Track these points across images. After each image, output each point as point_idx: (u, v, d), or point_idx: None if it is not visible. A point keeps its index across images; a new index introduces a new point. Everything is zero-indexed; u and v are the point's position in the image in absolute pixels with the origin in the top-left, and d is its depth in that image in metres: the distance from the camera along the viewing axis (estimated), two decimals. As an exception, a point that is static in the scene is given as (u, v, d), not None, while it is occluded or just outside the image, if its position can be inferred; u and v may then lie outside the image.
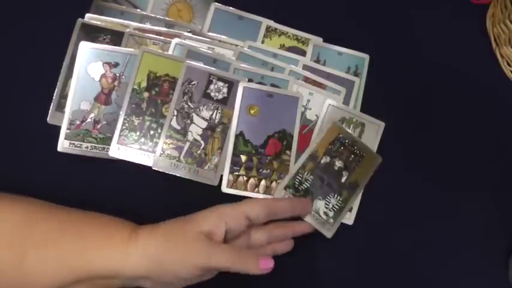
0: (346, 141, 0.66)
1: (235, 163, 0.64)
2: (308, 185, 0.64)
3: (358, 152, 0.66)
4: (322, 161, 0.65)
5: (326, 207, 0.64)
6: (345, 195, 0.65)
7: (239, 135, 0.65)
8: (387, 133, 0.68)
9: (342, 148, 0.65)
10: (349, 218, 0.65)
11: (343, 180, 0.65)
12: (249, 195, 0.64)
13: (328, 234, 0.64)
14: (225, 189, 0.64)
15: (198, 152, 0.64)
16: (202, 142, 0.64)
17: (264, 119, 0.65)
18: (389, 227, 0.67)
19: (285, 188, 0.64)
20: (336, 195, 0.64)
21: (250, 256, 0.53)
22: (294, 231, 0.62)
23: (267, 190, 0.65)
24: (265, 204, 0.57)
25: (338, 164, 0.65)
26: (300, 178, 0.64)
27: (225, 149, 0.64)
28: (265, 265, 0.53)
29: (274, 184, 0.65)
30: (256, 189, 0.64)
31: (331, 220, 0.64)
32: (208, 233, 0.53)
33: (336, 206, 0.64)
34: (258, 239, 0.60)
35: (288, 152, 0.65)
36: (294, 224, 0.62)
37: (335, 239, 0.65)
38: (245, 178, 0.64)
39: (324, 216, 0.64)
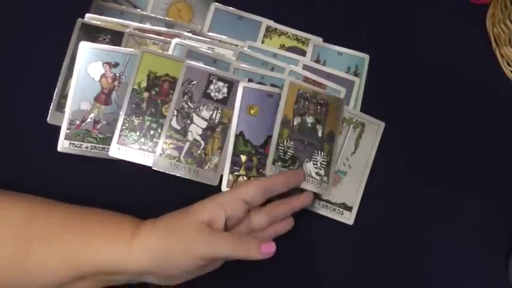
0: (308, 94, 0.66)
1: (235, 163, 0.64)
2: (292, 151, 0.64)
3: (322, 101, 0.66)
4: (295, 123, 0.65)
5: (315, 167, 0.64)
6: (326, 148, 0.65)
7: (239, 135, 0.65)
8: (387, 133, 0.68)
9: (307, 103, 0.65)
10: (349, 218, 0.65)
11: (319, 134, 0.65)
12: None
13: (326, 193, 0.64)
14: (225, 189, 0.64)
15: (198, 152, 0.64)
16: (202, 142, 0.64)
17: (264, 119, 0.65)
18: (389, 227, 0.67)
19: (273, 163, 0.64)
20: (319, 152, 0.65)
21: (252, 241, 0.53)
22: (294, 206, 0.61)
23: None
24: (259, 184, 0.56)
25: (309, 120, 0.65)
26: (282, 148, 0.64)
27: (225, 149, 0.64)
28: (267, 249, 0.53)
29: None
30: (256, 189, 0.64)
31: (325, 178, 0.64)
32: (209, 222, 0.53)
33: (323, 163, 0.65)
34: (258, 221, 0.59)
35: (288, 152, 0.65)
36: (293, 199, 0.61)
37: (335, 239, 0.65)
38: (245, 178, 0.64)
39: (317, 177, 0.64)
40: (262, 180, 0.57)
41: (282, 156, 0.64)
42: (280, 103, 0.65)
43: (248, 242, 0.53)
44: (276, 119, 0.65)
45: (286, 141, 0.64)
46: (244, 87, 0.65)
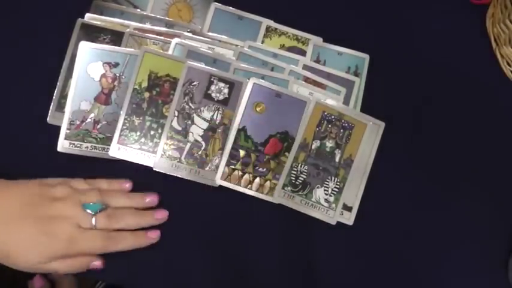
0: (333, 117, 0.66)
1: (233, 156, 0.64)
2: (304, 176, 0.64)
3: (346, 124, 0.66)
4: (313, 147, 0.65)
5: (326, 193, 0.64)
6: (341, 174, 0.65)
7: (241, 130, 0.65)
8: (387, 133, 0.68)
9: (330, 126, 0.65)
10: (349, 218, 0.66)
11: (337, 159, 0.65)
12: (241, 191, 0.64)
13: (332, 221, 0.65)
14: (218, 180, 0.64)
15: (199, 153, 0.64)
16: (203, 143, 0.64)
17: (269, 118, 0.65)
18: (389, 227, 0.67)
19: (283, 187, 0.64)
20: (333, 178, 0.65)
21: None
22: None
23: (260, 188, 0.65)
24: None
25: (329, 144, 0.65)
26: (295, 172, 0.65)
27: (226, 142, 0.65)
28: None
29: (268, 183, 0.65)
30: (250, 185, 0.64)
31: (333, 205, 0.65)
32: None
33: (335, 189, 0.65)
34: None
35: (286, 153, 0.65)
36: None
37: (335, 239, 0.65)
38: (240, 173, 0.64)
39: (326, 204, 0.64)
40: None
41: (293, 181, 0.65)
42: (301, 125, 0.65)
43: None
44: (294, 142, 0.65)
45: (301, 166, 0.65)
46: (254, 83, 0.65)
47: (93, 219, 0.57)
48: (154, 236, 0.61)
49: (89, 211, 0.58)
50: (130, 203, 0.61)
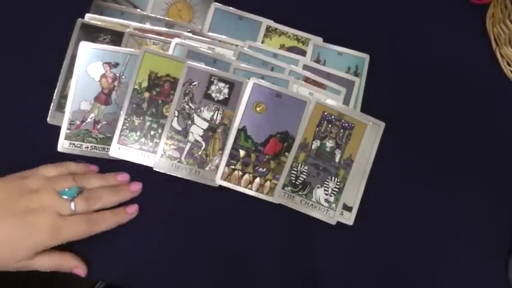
0: (333, 117, 0.66)
1: (233, 156, 0.64)
2: (304, 176, 0.65)
3: (346, 124, 0.66)
4: (313, 147, 0.65)
5: (326, 193, 0.64)
6: (341, 174, 0.65)
7: (241, 130, 0.65)
8: (387, 133, 0.68)
9: (330, 126, 0.65)
10: (349, 218, 0.66)
11: (337, 159, 0.65)
12: (241, 191, 0.64)
13: (332, 221, 0.65)
14: (218, 180, 0.64)
15: (199, 153, 0.64)
16: (203, 143, 0.64)
17: (269, 118, 0.65)
18: (389, 227, 0.67)
19: (283, 187, 0.64)
20: (333, 178, 0.65)
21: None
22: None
23: (260, 188, 0.65)
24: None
25: (329, 144, 0.65)
26: (295, 172, 0.65)
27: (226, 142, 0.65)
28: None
29: (268, 183, 0.65)
30: (250, 185, 0.65)
31: (333, 205, 0.65)
32: None
33: (335, 189, 0.65)
34: None
35: (286, 153, 0.65)
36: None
37: (335, 239, 0.65)
38: (240, 173, 0.64)
39: (326, 204, 0.64)
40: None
41: (293, 181, 0.65)
42: (301, 125, 0.65)
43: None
44: (294, 142, 0.65)
45: (301, 166, 0.65)
46: (254, 83, 0.65)
47: (72, 204, 0.57)
48: (132, 210, 0.62)
49: (66, 197, 0.57)
50: (104, 182, 0.61)
